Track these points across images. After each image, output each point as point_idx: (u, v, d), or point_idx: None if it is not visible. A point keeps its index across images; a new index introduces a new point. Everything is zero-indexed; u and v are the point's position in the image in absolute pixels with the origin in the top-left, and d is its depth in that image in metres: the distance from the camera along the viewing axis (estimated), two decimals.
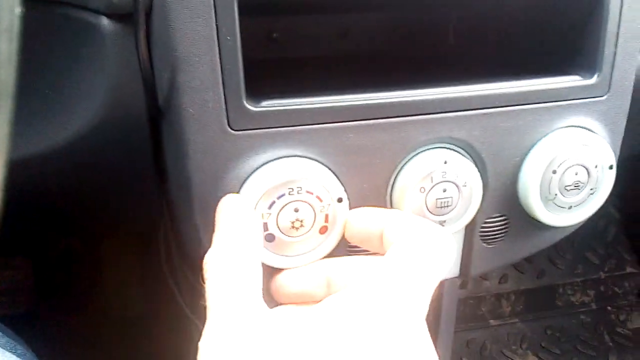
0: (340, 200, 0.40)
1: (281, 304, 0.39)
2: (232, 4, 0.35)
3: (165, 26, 0.36)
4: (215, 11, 0.35)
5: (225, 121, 0.38)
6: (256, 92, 0.39)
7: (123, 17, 0.37)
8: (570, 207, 0.48)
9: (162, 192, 0.43)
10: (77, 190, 0.47)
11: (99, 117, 0.40)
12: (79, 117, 0.40)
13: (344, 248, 0.42)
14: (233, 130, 0.38)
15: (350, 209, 0.41)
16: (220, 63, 0.36)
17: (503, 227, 0.48)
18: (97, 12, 0.37)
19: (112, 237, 0.69)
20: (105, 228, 0.65)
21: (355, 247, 0.42)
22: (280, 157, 0.40)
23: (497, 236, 0.48)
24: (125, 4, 0.36)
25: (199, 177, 0.39)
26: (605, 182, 0.48)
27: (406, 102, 0.41)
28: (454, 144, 0.44)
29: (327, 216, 0.40)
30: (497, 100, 0.44)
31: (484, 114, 0.44)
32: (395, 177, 0.43)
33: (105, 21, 0.38)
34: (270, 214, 0.39)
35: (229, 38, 0.36)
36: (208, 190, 0.39)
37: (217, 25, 0.36)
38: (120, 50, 0.38)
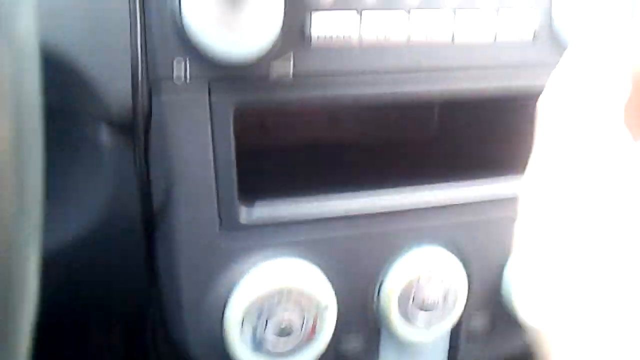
0: (327, 306, 0.41)
1: None
2: (228, 122, 0.37)
3: (163, 140, 0.37)
4: (212, 127, 0.37)
5: (217, 228, 0.39)
6: (246, 189, 0.40)
7: (122, 129, 0.39)
8: None
9: (152, 294, 0.44)
10: (69, 289, 0.47)
11: (95, 223, 0.41)
12: (74, 224, 0.41)
13: (332, 352, 0.43)
14: (225, 236, 0.39)
15: (338, 313, 0.41)
16: (215, 175, 0.38)
17: (488, 325, 0.48)
18: (97, 123, 0.39)
19: (99, 330, 0.68)
20: (93, 322, 0.64)
21: None
22: (271, 260, 0.40)
23: (482, 334, 0.48)
24: (124, 116, 0.38)
25: (189, 283, 0.39)
26: None
27: (395, 205, 0.43)
28: (440, 243, 0.45)
29: (315, 321, 0.40)
30: (484, 200, 0.45)
31: (471, 213, 0.45)
32: (383, 277, 0.44)
33: (104, 132, 0.39)
34: (259, 319, 0.39)
35: (224, 153, 0.37)
36: (198, 296, 0.39)
37: (213, 140, 0.37)
38: (119, 159, 0.40)
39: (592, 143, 0.22)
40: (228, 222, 0.39)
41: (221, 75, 0.36)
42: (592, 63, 0.23)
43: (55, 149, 0.40)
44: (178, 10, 0.34)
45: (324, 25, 0.37)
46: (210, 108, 0.37)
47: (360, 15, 0.37)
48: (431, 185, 0.44)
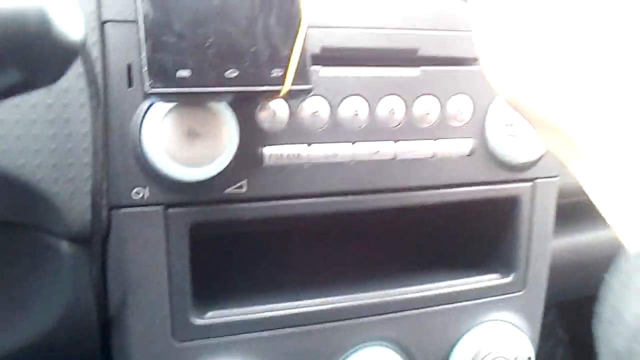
0: None
1: None
2: (184, 239, 0.40)
3: (120, 251, 0.40)
4: (167, 244, 0.39)
5: (170, 335, 0.41)
6: (198, 297, 0.42)
7: (82, 240, 0.41)
8: None
9: None
10: None
11: (54, 326, 0.43)
12: (33, 326, 0.43)
13: None
14: (177, 345, 0.41)
15: None
16: (169, 289, 0.40)
17: None
18: (58, 236, 0.41)
19: None
20: None
21: None
22: None
23: None
24: (84, 230, 0.40)
25: None
26: None
27: (340, 307, 0.46)
28: (385, 343, 0.48)
29: None
30: (425, 302, 0.48)
31: (413, 314, 0.48)
32: None
33: (65, 244, 0.41)
34: None
35: (179, 267, 0.40)
36: None
37: (168, 256, 0.40)
38: (78, 268, 0.42)
39: None
40: (180, 332, 0.41)
41: (178, 197, 0.39)
42: None
43: (19, 257, 0.43)
44: (138, 140, 0.37)
45: (276, 150, 0.41)
46: (167, 227, 0.39)
47: (310, 147, 0.41)
48: (375, 286, 0.47)
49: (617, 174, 0.25)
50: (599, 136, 0.26)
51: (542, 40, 0.27)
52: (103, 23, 0.36)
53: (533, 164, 0.49)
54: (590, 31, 0.26)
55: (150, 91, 0.32)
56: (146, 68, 0.32)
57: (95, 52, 0.36)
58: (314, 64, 0.40)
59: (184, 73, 0.33)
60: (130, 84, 0.37)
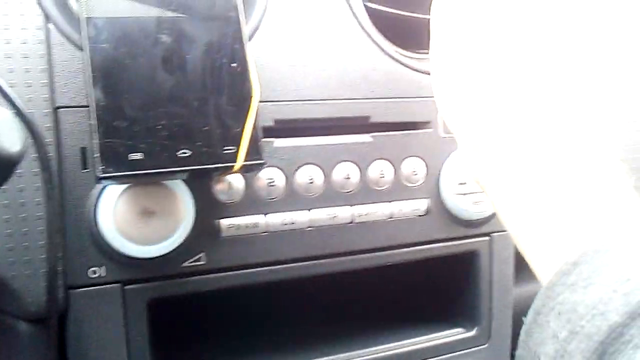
0: None
1: None
2: (142, 315, 0.40)
3: (79, 330, 0.39)
4: (125, 322, 0.39)
5: None
6: None
7: (40, 321, 0.41)
8: None
9: None
10: None
11: None
12: None
13: None
14: None
15: None
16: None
17: None
18: (16, 316, 0.41)
19: None
20: None
21: None
22: None
23: None
24: (42, 310, 0.40)
25: None
26: None
27: None
28: None
29: None
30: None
31: None
32: None
33: (23, 324, 0.41)
34: None
35: (139, 343, 0.40)
36: None
37: (127, 333, 0.40)
38: (37, 348, 0.41)
39: None
40: None
41: (135, 274, 0.39)
42: None
43: None
44: (94, 220, 0.38)
45: (233, 222, 0.41)
46: (124, 305, 0.39)
47: (267, 217, 0.42)
48: (340, 349, 0.48)
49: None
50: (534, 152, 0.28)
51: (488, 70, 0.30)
52: (56, 109, 0.37)
53: (488, 219, 0.50)
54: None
55: (102, 176, 0.33)
56: (98, 154, 0.33)
57: (49, 137, 0.37)
58: (268, 136, 0.42)
59: (136, 156, 0.33)
60: (84, 167, 0.38)
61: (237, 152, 0.36)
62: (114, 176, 0.33)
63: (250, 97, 0.37)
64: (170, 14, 0.36)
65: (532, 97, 0.28)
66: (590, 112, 0.28)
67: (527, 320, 0.25)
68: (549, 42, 0.29)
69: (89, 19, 0.35)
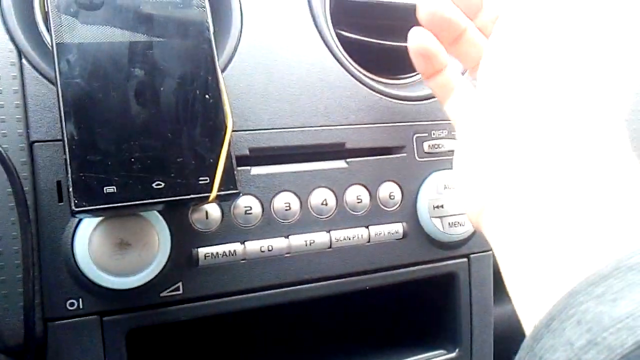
0: None
1: None
2: (121, 346, 0.40)
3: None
4: (104, 353, 0.39)
5: None
6: None
7: (18, 354, 0.41)
8: None
9: None
10: None
11: None
12: None
13: None
14: None
15: None
16: None
17: None
18: None
19: None
20: None
21: None
22: None
23: None
24: (19, 343, 0.40)
25: None
26: None
27: None
28: None
29: None
30: None
31: None
32: None
33: (2, 357, 0.41)
34: None
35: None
36: None
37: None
38: None
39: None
40: None
41: (113, 305, 0.39)
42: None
43: None
44: (71, 252, 0.38)
45: (210, 250, 0.41)
46: (103, 336, 0.39)
47: (244, 245, 0.42)
48: None
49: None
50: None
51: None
52: (31, 143, 0.38)
53: (466, 241, 0.51)
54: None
55: (76, 210, 0.33)
56: (71, 188, 0.33)
57: (24, 171, 0.37)
58: (244, 164, 0.42)
59: (110, 189, 0.34)
60: (60, 200, 0.38)
61: (211, 182, 0.37)
62: (88, 210, 0.33)
63: (225, 127, 0.38)
64: (142, 47, 0.37)
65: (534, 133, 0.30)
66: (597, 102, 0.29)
67: (537, 324, 0.24)
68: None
69: (59, 45, 0.35)
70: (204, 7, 0.39)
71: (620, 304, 0.22)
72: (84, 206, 0.33)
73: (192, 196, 0.36)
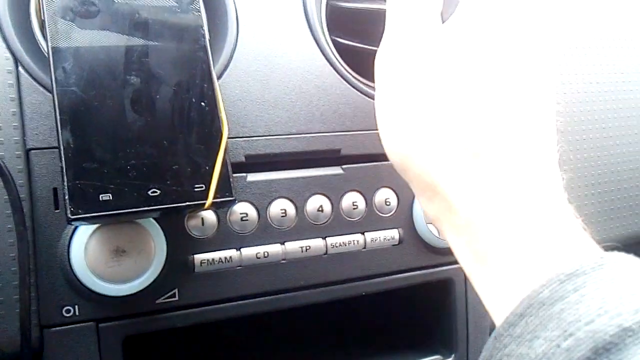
0: None
1: None
2: (117, 352, 0.40)
3: None
4: (100, 355, 0.40)
5: None
6: None
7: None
8: None
9: None
10: None
11: None
12: None
13: None
14: None
15: None
16: None
17: None
18: None
19: None
20: None
21: None
22: None
23: None
24: (15, 350, 0.40)
25: None
26: None
27: None
28: None
29: None
30: None
31: None
32: None
33: None
34: None
35: None
36: None
37: None
38: None
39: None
40: None
41: (109, 312, 0.40)
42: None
43: None
44: (67, 259, 0.38)
45: (206, 257, 0.42)
46: (99, 343, 0.40)
47: (240, 251, 0.42)
48: None
49: (489, 237, 0.28)
50: (474, 198, 0.28)
51: (425, 113, 0.31)
52: (28, 151, 0.38)
53: None
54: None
55: (72, 217, 0.33)
56: (67, 196, 0.33)
57: (21, 179, 0.37)
58: (240, 171, 0.42)
59: (106, 197, 0.34)
60: (56, 207, 0.38)
61: (207, 189, 0.37)
62: (84, 217, 0.33)
63: (220, 134, 0.38)
64: (138, 54, 0.37)
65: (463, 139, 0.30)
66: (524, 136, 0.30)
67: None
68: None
69: (56, 52, 0.35)
70: (200, 13, 0.39)
71: (536, 345, 0.23)
72: (80, 214, 0.33)
73: (188, 203, 0.36)
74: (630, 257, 0.26)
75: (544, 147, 0.30)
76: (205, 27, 0.39)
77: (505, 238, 0.28)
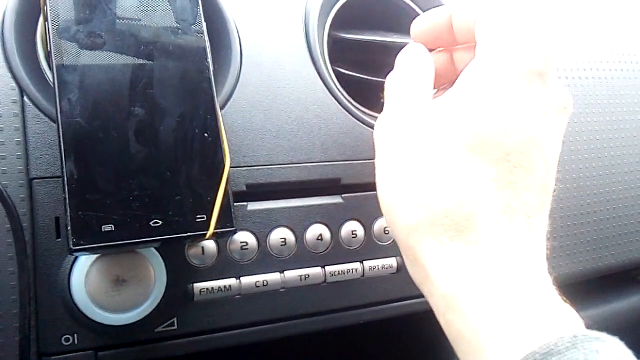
0: None
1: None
2: None
3: None
4: None
5: None
6: None
7: None
8: None
9: None
10: None
11: None
12: None
13: None
14: None
15: None
16: None
17: None
18: None
19: None
20: None
21: None
22: None
23: None
24: None
25: None
26: None
27: None
28: None
29: None
30: None
31: None
32: None
33: None
34: None
35: None
36: None
37: None
38: None
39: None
40: None
41: (108, 340, 0.40)
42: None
43: None
44: (67, 288, 0.38)
45: (206, 286, 0.42)
46: None
47: (240, 280, 0.42)
48: None
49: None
50: (450, 274, 0.29)
51: (410, 181, 0.33)
52: (31, 180, 0.38)
53: None
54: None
55: (74, 248, 0.33)
56: (70, 227, 0.33)
57: (23, 207, 0.38)
58: (241, 200, 0.43)
59: (108, 227, 0.34)
60: (58, 236, 0.38)
61: (208, 220, 0.37)
62: (86, 248, 0.34)
63: (222, 165, 0.38)
64: (143, 86, 0.38)
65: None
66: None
67: None
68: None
69: (61, 83, 0.35)
70: (205, 46, 0.40)
71: None
72: (82, 245, 0.33)
73: (190, 234, 0.36)
74: (604, 335, 0.27)
75: (528, 218, 0.31)
76: (210, 59, 0.40)
77: (480, 315, 0.28)
